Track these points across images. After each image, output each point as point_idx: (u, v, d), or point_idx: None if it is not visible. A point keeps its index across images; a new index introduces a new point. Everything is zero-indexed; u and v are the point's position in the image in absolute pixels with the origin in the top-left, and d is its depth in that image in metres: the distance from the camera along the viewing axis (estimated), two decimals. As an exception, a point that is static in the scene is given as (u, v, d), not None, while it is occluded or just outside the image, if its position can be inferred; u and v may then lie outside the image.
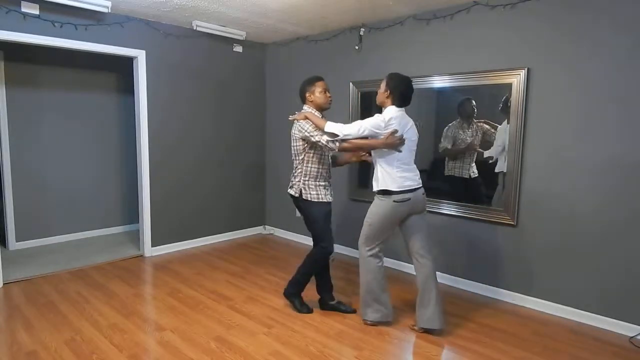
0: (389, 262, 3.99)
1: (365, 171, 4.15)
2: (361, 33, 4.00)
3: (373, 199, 2.69)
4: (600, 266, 2.82)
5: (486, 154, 3.29)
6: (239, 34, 4.45)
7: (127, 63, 4.28)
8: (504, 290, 3.26)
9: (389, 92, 2.63)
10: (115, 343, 2.54)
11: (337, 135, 2.63)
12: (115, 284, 3.48)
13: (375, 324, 2.79)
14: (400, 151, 2.60)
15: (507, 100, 3.12)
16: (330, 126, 2.65)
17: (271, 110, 5.04)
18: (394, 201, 2.58)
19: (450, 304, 3.17)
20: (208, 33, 4.30)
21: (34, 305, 3.05)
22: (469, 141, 3.37)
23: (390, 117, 2.56)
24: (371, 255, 2.73)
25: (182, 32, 4.24)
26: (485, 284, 3.36)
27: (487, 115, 3.29)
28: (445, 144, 3.53)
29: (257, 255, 4.36)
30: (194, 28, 4.10)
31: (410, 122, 2.67)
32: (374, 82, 3.95)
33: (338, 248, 4.38)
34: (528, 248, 3.12)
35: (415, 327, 2.73)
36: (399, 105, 2.64)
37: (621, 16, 2.63)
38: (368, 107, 4.07)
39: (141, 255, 4.25)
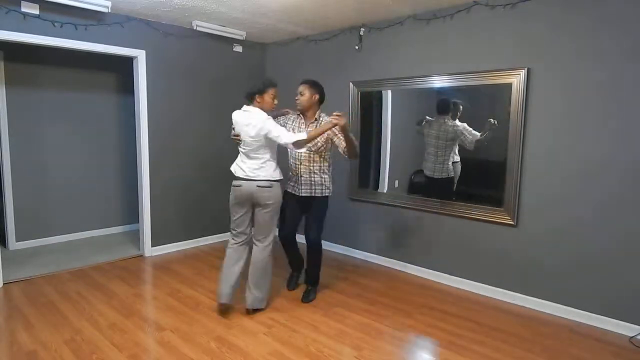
0: (390, 262, 3.99)
1: (365, 171, 4.15)
2: (361, 33, 4.00)
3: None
4: (600, 266, 2.82)
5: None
6: (239, 34, 4.45)
7: (127, 63, 4.28)
8: (504, 290, 3.26)
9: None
10: (115, 343, 2.54)
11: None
12: (115, 284, 3.48)
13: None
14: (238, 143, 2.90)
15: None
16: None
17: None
18: (232, 185, 2.90)
19: (450, 304, 3.17)
20: (208, 33, 4.30)
21: (34, 305, 3.05)
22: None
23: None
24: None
25: (182, 32, 4.24)
26: (485, 284, 3.36)
27: (487, 115, 3.30)
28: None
29: (257, 255, 4.36)
30: (194, 28, 4.10)
31: (247, 121, 2.81)
32: (374, 82, 3.96)
33: (338, 248, 4.39)
34: (528, 248, 3.12)
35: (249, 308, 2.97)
36: (248, 104, 2.89)
37: (621, 17, 2.63)
38: (368, 107, 4.07)
39: (141, 255, 4.25)
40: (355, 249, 4.30)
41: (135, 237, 4.73)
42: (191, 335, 2.66)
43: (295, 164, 3.08)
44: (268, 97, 2.84)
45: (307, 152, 3.00)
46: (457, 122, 3.43)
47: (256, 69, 5.01)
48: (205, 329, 2.74)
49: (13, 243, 4.35)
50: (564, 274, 2.97)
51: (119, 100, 5.00)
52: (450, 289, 3.47)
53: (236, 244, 2.96)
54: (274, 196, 2.84)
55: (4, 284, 3.43)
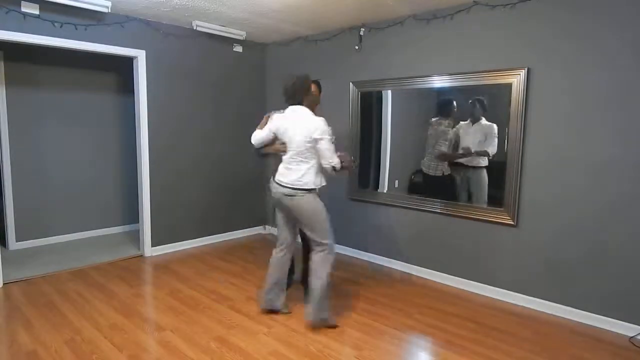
0: (390, 262, 3.99)
1: (365, 171, 4.15)
2: (361, 33, 4.00)
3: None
4: (600, 266, 2.82)
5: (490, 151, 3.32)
6: (239, 34, 4.45)
7: (127, 63, 4.28)
8: (504, 291, 3.26)
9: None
10: (115, 343, 2.54)
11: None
12: (115, 284, 3.48)
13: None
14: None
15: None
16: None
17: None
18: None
19: (450, 305, 3.17)
20: (208, 33, 4.30)
21: (34, 305, 3.05)
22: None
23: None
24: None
25: (182, 32, 4.24)
26: (485, 284, 3.36)
27: (487, 115, 3.30)
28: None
29: (257, 255, 4.36)
30: (194, 28, 4.10)
31: (291, 122, 2.68)
32: (374, 82, 3.96)
33: (338, 248, 4.37)
34: (528, 248, 3.12)
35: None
36: (290, 104, 2.76)
37: (621, 16, 2.63)
38: (368, 107, 4.07)
39: (141, 255, 4.25)
40: (355, 249, 4.30)
41: (135, 237, 4.73)
42: (191, 335, 2.66)
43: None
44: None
45: None
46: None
47: (256, 69, 5.01)
48: (205, 329, 2.74)
49: (13, 243, 4.35)
50: (564, 274, 2.97)
51: (119, 100, 5.00)
52: (450, 289, 3.47)
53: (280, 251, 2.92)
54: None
55: (4, 284, 3.42)
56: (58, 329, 2.70)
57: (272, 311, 2.94)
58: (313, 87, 2.90)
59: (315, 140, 2.62)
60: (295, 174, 2.68)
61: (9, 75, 4.19)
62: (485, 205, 3.30)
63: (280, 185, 2.71)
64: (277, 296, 2.93)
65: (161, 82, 4.18)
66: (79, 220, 4.81)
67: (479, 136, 3.33)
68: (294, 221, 2.84)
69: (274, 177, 3.00)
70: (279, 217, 2.87)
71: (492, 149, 3.26)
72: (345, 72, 4.19)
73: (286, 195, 2.68)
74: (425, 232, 3.71)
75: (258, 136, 2.91)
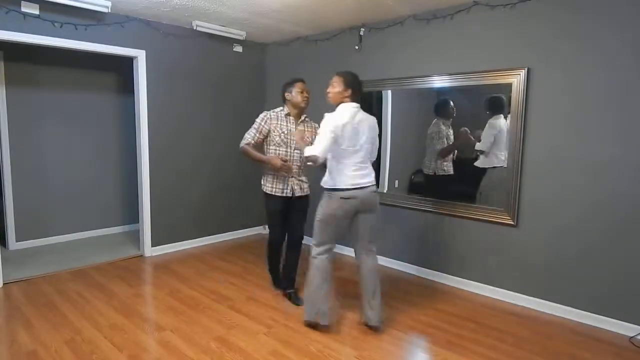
0: (390, 262, 3.99)
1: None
2: (361, 33, 4.00)
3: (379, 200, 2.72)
4: (600, 266, 2.82)
5: (478, 146, 3.33)
6: (239, 34, 4.45)
7: (127, 63, 4.28)
8: (504, 291, 3.26)
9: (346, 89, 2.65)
10: (115, 343, 2.54)
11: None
12: (115, 284, 3.48)
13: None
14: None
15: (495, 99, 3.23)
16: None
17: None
18: (341, 197, 2.56)
19: (450, 305, 3.17)
20: (208, 33, 4.30)
21: (34, 305, 3.05)
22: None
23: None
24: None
25: (182, 32, 4.24)
26: (485, 284, 3.36)
27: (486, 115, 3.30)
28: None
29: (257, 255, 4.35)
30: (194, 28, 4.10)
31: (361, 122, 2.58)
32: (374, 82, 3.96)
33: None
34: (528, 248, 3.12)
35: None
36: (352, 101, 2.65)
37: (621, 16, 2.63)
38: (368, 107, 4.06)
39: (141, 255, 4.25)
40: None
41: (135, 237, 4.73)
42: (191, 335, 2.66)
43: (298, 166, 3.11)
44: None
45: (299, 153, 3.00)
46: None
47: (256, 69, 5.01)
48: (205, 329, 2.74)
49: (13, 243, 4.35)
50: (564, 274, 2.97)
51: (119, 100, 5.00)
52: (450, 289, 3.47)
53: (328, 258, 2.70)
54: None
55: (4, 284, 3.42)
56: (58, 329, 2.70)
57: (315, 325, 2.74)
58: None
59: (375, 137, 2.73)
60: (369, 172, 2.66)
61: (9, 75, 4.19)
62: (500, 207, 3.23)
63: (362, 187, 2.58)
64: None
65: (161, 82, 4.18)
66: (79, 220, 4.81)
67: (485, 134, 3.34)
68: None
69: (276, 184, 3.05)
70: (343, 221, 2.64)
71: (481, 145, 3.29)
72: (345, 72, 4.18)
73: (372, 191, 2.65)
74: (426, 232, 3.71)
75: (323, 147, 2.47)
